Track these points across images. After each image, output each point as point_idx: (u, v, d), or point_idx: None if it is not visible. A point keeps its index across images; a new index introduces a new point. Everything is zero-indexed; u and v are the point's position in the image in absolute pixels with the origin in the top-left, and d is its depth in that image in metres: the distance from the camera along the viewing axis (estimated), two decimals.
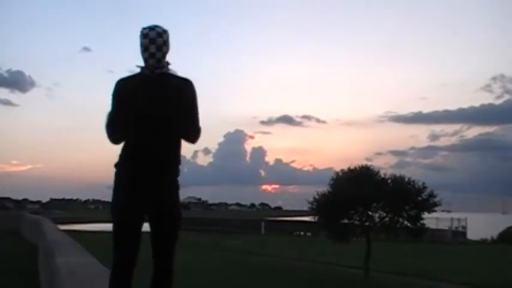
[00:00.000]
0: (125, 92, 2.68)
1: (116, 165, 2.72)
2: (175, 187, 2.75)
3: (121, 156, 2.73)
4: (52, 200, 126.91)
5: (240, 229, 43.21)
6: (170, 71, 2.76)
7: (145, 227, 2.73)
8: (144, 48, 2.69)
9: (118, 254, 2.65)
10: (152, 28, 2.71)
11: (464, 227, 36.82)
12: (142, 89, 2.67)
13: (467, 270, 15.54)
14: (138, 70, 2.75)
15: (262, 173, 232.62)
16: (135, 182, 2.64)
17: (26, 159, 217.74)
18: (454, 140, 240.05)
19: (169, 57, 2.78)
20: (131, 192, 2.63)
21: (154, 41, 2.68)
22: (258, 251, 21.16)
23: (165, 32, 2.74)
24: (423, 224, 13.93)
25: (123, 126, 2.68)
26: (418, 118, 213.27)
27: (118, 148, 2.74)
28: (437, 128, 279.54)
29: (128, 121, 2.65)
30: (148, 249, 2.73)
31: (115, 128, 2.70)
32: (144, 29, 2.72)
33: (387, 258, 17.83)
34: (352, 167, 14.42)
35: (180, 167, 2.78)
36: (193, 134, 2.78)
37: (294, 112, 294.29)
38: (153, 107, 2.64)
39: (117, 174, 2.71)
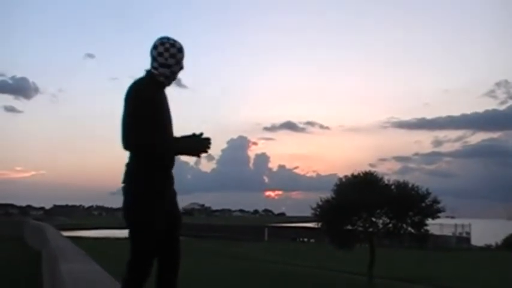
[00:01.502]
0: (155, 100, 2.66)
1: (138, 171, 2.61)
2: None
3: (148, 165, 2.61)
4: (55, 206, 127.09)
5: (243, 235, 43.14)
6: None
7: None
8: (177, 61, 2.73)
9: (140, 270, 2.59)
10: (181, 45, 2.77)
11: (468, 233, 36.71)
12: (164, 98, 2.80)
13: (471, 277, 15.48)
14: (140, 75, 2.76)
15: (266, 179, 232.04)
16: (165, 192, 2.72)
17: (30, 165, 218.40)
18: (457, 145, 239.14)
19: None
20: (165, 203, 2.70)
21: (183, 58, 2.77)
22: (261, 258, 21.10)
23: None
24: (427, 230, 13.87)
25: (154, 136, 2.60)
26: (421, 124, 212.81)
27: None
28: (441, 134, 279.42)
29: (160, 130, 2.65)
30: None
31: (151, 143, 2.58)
32: (175, 41, 2.73)
33: (391, 264, 17.77)
34: (355, 173, 14.37)
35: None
36: None
37: (297, 118, 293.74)
38: (170, 116, 2.81)
39: (147, 185, 2.60)
